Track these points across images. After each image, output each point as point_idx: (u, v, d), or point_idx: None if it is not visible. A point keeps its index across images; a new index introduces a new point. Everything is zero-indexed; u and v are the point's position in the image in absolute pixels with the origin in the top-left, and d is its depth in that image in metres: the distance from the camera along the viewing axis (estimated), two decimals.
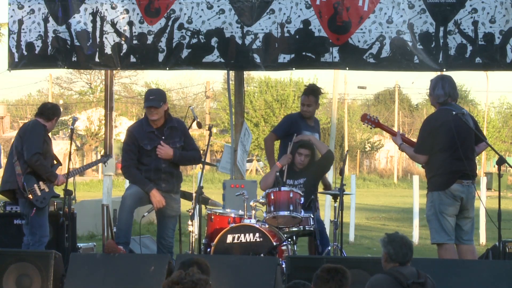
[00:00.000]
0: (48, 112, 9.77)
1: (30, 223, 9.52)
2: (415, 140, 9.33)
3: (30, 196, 9.41)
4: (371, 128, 9.41)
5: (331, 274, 5.94)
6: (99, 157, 11.03)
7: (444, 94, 8.91)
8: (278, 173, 9.83)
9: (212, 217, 9.80)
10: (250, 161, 52.09)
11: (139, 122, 9.65)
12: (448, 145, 8.74)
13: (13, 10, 10.97)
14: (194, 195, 9.68)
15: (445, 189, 8.72)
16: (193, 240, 9.70)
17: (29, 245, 9.52)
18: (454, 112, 8.75)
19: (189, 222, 9.66)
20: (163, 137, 9.34)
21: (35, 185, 9.47)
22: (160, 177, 9.37)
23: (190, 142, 9.64)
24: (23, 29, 10.92)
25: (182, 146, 9.50)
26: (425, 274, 6.76)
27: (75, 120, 9.98)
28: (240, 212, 9.76)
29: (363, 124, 9.33)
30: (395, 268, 6.67)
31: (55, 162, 9.86)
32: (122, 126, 51.15)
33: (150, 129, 9.36)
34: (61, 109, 9.91)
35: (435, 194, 8.78)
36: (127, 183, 10.61)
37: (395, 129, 9.53)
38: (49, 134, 9.94)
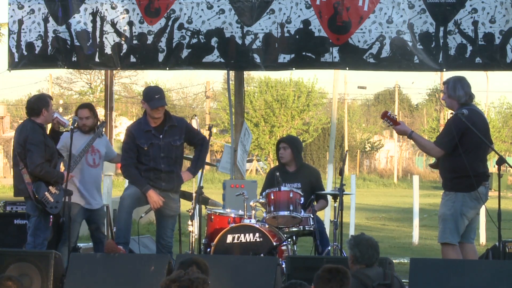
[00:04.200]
0: (33, 107, 9.56)
1: (36, 225, 9.40)
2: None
3: (44, 205, 9.32)
4: (388, 126, 9.21)
5: (332, 274, 5.95)
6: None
7: (465, 94, 8.89)
8: (278, 173, 9.82)
9: (212, 217, 9.80)
10: (250, 161, 52.07)
11: (138, 121, 9.65)
12: (476, 146, 8.73)
13: (13, 10, 10.98)
14: (194, 195, 9.68)
15: (471, 191, 8.69)
16: (193, 240, 9.70)
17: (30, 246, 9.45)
18: (454, 112, 8.77)
19: (189, 222, 9.66)
20: (160, 136, 9.33)
21: (46, 193, 9.34)
22: (160, 177, 9.35)
23: (194, 134, 9.59)
24: (23, 29, 10.93)
25: (182, 144, 9.48)
26: (392, 275, 6.82)
27: (75, 120, 9.93)
28: (240, 212, 9.76)
29: (383, 121, 9.15)
30: (361, 270, 6.74)
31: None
32: (122, 126, 51.14)
33: (147, 128, 9.35)
34: (49, 97, 9.68)
35: (460, 195, 8.73)
36: (126, 183, 10.61)
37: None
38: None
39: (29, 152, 9.30)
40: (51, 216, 9.39)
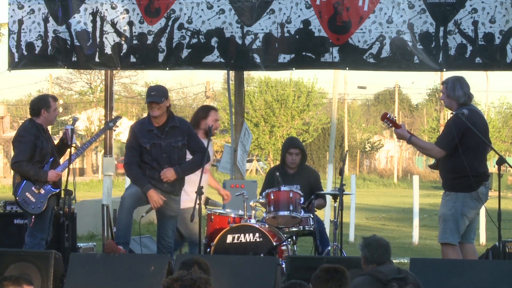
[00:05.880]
0: (33, 107, 9.55)
1: (32, 226, 9.35)
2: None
3: (22, 207, 9.27)
4: (388, 127, 9.21)
5: (330, 274, 5.93)
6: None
7: (464, 94, 8.89)
8: (278, 173, 9.82)
9: (212, 217, 9.80)
10: (250, 161, 52.09)
11: (141, 120, 9.61)
12: (476, 146, 8.73)
13: (13, 10, 10.98)
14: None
15: (472, 191, 8.68)
16: None
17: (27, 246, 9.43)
18: (454, 112, 8.78)
19: None
20: (162, 136, 9.31)
21: (27, 193, 9.30)
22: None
23: (194, 142, 9.44)
24: (23, 29, 10.93)
25: (184, 144, 9.43)
26: (406, 271, 6.85)
27: (75, 120, 9.91)
28: (240, 212, 9.76)
29: (383, 123, 9.15)
30: (374, 268, 6.78)
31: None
32: (122, 126, 51.10)
33: (150, 127, 9.33)
34: (52, 98, 9.68)
35: (460, 195, 8.72)
36: (127, 183, 10.60)
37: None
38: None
39: (15, 149, 9.33)
40: (33, 217, 9.29)
